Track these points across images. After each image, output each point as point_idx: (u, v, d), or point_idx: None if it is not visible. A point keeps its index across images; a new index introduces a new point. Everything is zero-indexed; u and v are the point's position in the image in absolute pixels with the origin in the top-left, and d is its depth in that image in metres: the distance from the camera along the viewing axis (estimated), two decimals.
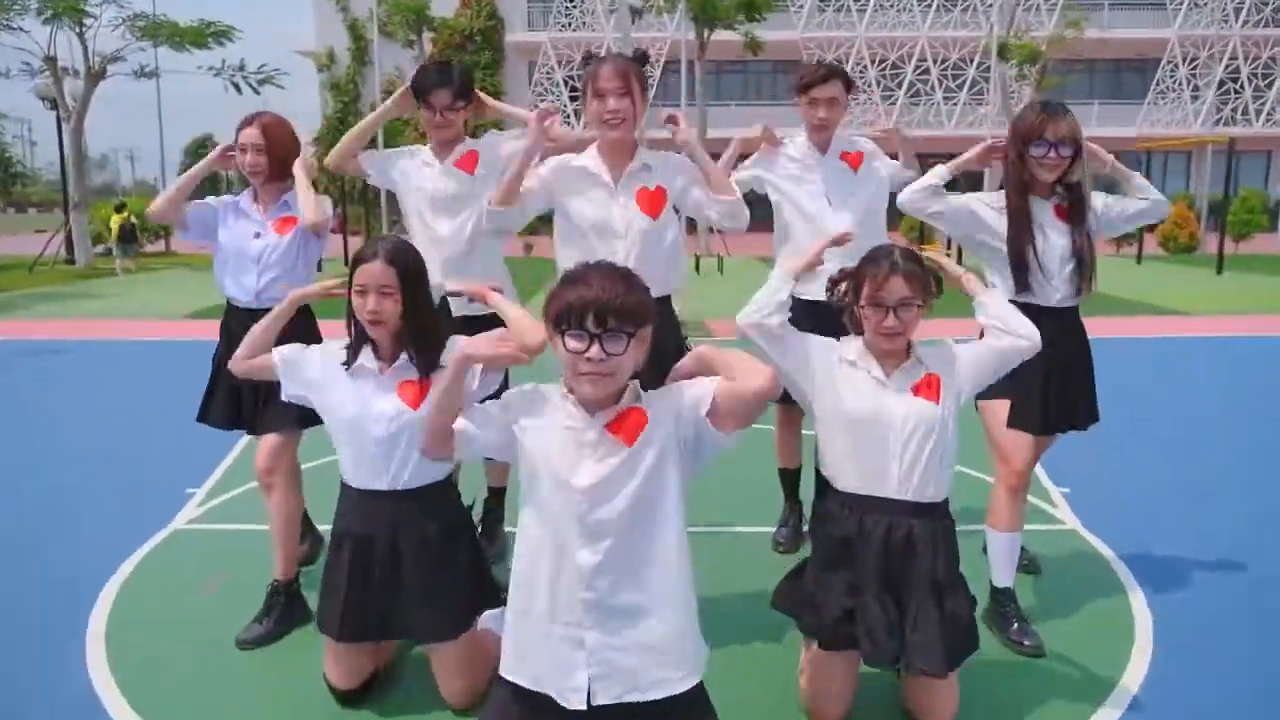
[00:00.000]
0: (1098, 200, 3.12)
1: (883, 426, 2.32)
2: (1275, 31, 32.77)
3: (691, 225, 23.58)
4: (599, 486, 1.94)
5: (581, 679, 1.95)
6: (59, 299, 13.66)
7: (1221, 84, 33.58)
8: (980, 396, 3.09)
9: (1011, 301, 3.04)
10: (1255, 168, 33.94)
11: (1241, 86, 33.53)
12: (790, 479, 3.88)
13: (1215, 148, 28.44)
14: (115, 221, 19.21)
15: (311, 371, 2.56)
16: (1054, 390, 3.04)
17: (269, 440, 3.06)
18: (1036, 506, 4.23)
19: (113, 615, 3.19)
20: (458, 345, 2.34)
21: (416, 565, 2.42)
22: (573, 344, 1.90)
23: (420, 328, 2.44)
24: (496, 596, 2.58)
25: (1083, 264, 3.00)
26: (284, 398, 2.61)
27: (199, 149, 50.70)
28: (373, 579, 2.42)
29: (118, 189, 76.34)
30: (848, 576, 2.33)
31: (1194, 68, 33.60)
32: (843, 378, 2.41)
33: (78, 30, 18.82)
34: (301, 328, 2.91)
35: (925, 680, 2.35)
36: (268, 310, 3.13)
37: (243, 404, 3.17)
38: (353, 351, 2.48)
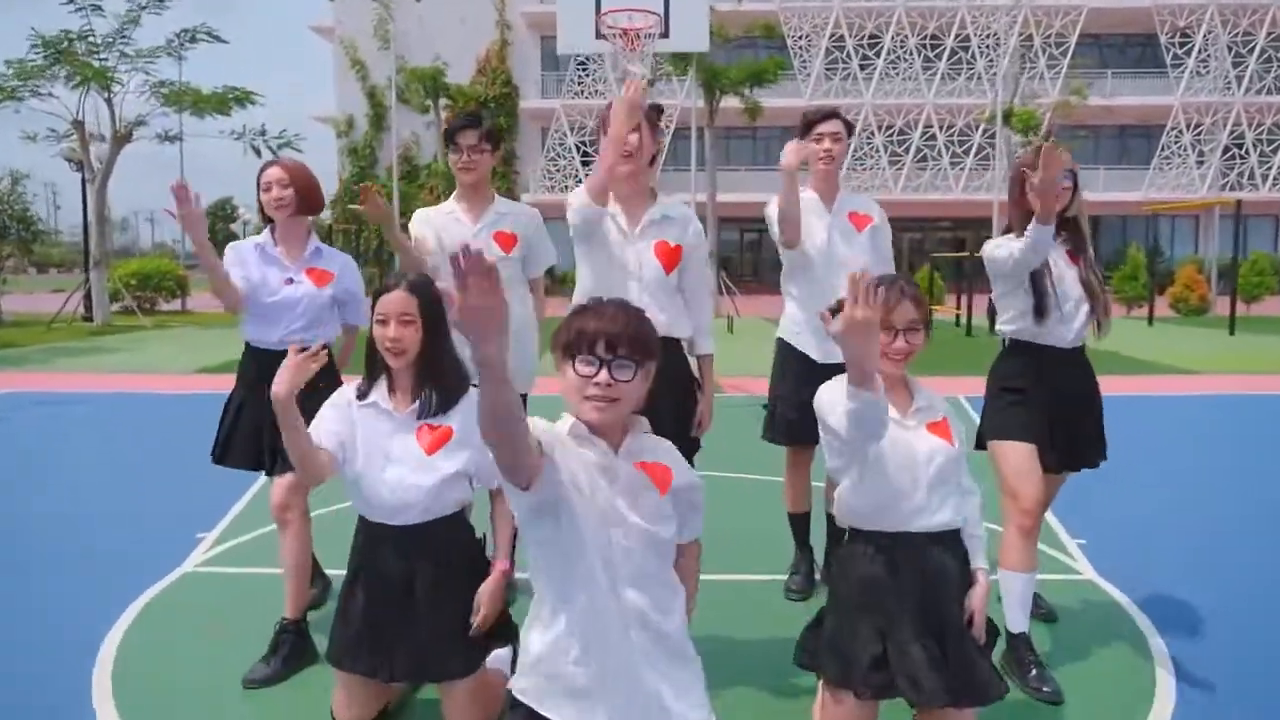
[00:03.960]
0: None
1: (908, 463, 2.30)
2: (1277, 99, 33.23)
3: None
4: (641, 529, 1.91)
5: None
6: (73, 353, 13.77)
7: (1226, 149, 33.96)
8: (989, 437, 3.10)
9: (1025, 343, 3.08)
10: (1264, 231, 34.20)
11: (1246, 152, 33.90)
12: (801, 524, 3.85)
13: (1222, 211, 28.67)
14: None
15: (342, 428, 2.48)
16: (1062, 429, 3.05)
17: (286, 479, 3.07)
18: (1053, 557, 4.20)
19: (120, 653, 3.17)
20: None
21: (430, 601, 2.40)
22: (582, 369, 1.89)
23: (440, 364, 2.44)
24: (507, 635, 2.56)
25: (1095, 300, 3.03)
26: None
27: (219, 211, 51.57)
28: (387, 613, 2.40)
29: (136, 251, 77.68)
30: (877, 621, 2.26)
31: (1198, 134, 34.04)
32: None
33: (106, 96, 19.34)
34: (326, 383, 2.86)
35: (938, 715, 2.29)
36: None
37: (262, 445, 3.19)
38: (366, 385, 2.48)
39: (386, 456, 2.40)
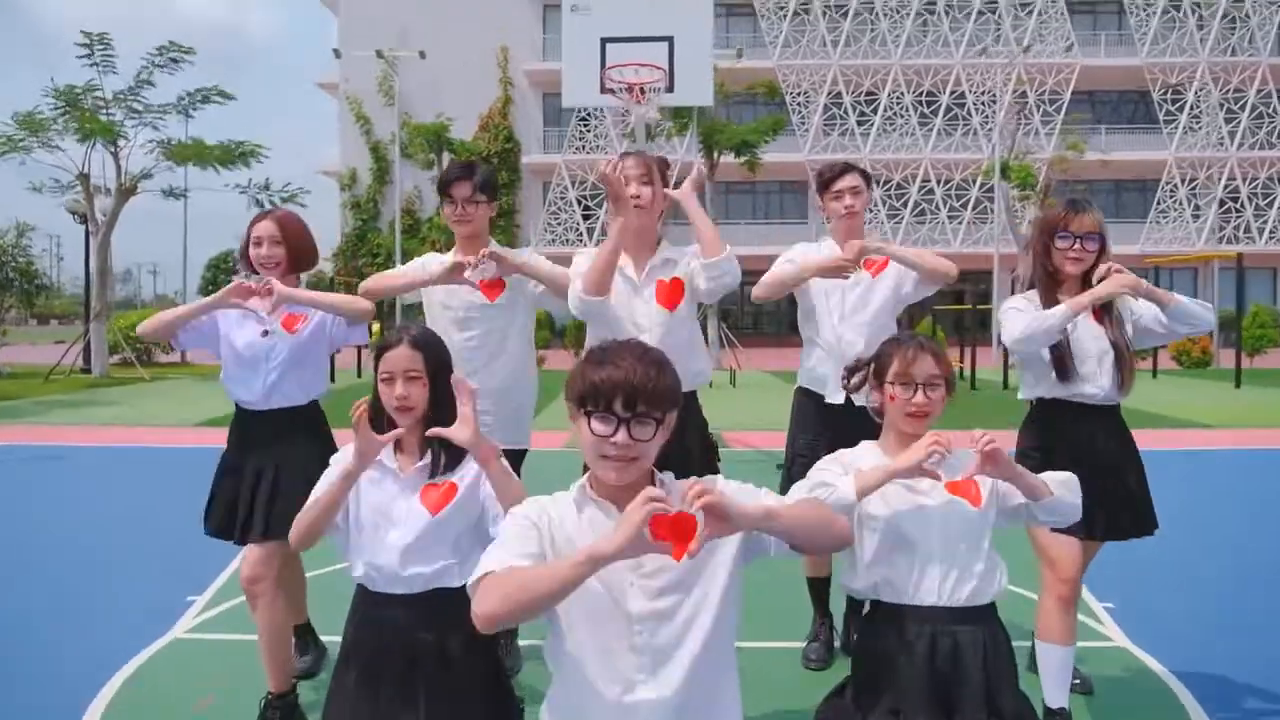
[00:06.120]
0: (1139, 304, 3.00)
1: (917, 530, 2.15)
2: (1271, 153, 33.62)
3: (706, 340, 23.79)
4: (657, 611, 1.74)
5: None
6: (71, 406, 13.66)
7: (1222, 203, 34.24)
8: None
9: (1053, 400, 2.96)
10: (1263, 283, 34.35)
11: (1242, 206, 34.18)
12: (819, 589, 3.69)
13: (1221, 264, 28.80)
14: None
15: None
16: (1100, 493, 2.90)
17: (256, 549, 2.92)
18: (1081, 623, 4.02)
19: None
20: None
21: (433, 685, 2.20)
22: (599, 428, 1.72)
23: (448, 421, 2.23)
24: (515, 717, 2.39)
25: (1120, 359, 2.91)
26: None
27: (220, 264, 51.88)
28: (383, 699, 2.20)
29: (138, 303, 78.04)
30: (890, 700, 2.09)
31: (1193, 188, 34.36)
32: None
33: (112, 150, 19.51)
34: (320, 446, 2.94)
35: None
36: (278, 411, 3.04)
37: (237, 513, 3.01)
38: None
39: (389, 519, 2.25)
